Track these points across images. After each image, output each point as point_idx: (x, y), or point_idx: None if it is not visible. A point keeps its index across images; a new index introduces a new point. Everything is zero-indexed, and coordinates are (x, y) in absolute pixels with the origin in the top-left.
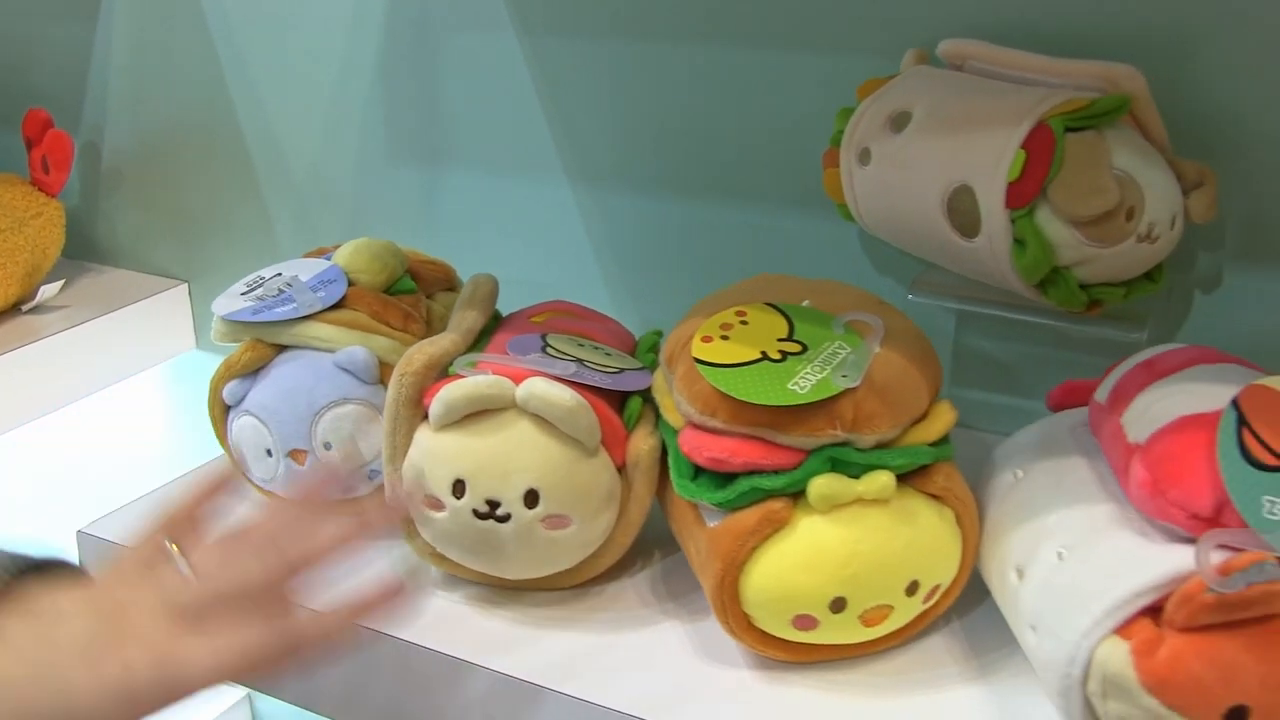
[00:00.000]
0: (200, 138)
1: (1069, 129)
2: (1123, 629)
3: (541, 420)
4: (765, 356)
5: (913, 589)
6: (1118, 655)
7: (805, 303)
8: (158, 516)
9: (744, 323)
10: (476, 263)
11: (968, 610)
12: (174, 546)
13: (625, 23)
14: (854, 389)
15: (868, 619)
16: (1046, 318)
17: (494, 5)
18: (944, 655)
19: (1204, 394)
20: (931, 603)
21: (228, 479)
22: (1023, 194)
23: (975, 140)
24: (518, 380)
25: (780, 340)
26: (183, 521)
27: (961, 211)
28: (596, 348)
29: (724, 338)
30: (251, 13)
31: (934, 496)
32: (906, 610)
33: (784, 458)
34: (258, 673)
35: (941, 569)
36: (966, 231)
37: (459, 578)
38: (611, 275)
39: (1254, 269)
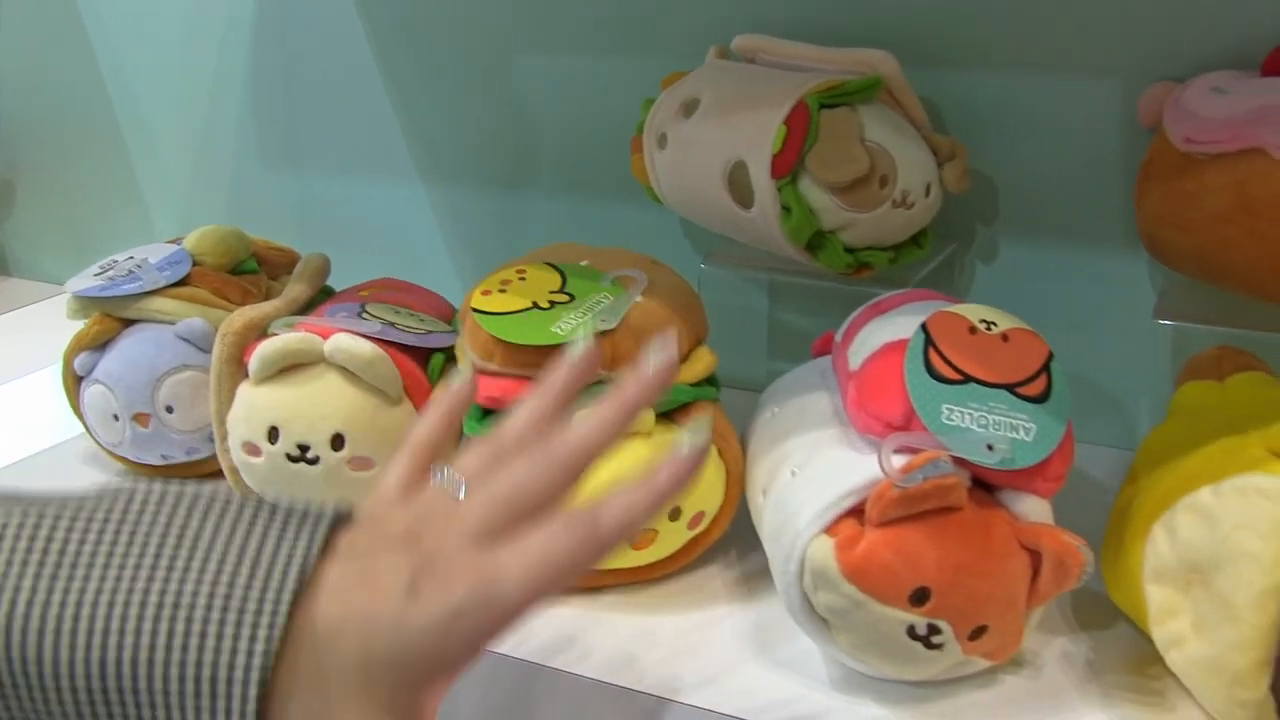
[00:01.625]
0: (86, 151)
1: (824, 106)
2: (831, 529)
3: (348, 372)
4: (535, 306)
5: (675, 514)
6: (823, 550)
7: (584, 263)
8: (409, 447)
9: (522, 279)
10: (343, 259)
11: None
12: (444, 470)
13: (466, 34)
14: (612, 331)
15: (636, 542)
16: (837, 281)
17: (349, 20)
18: (716, 580)
19: (907, 324)
20: (699, 529)
21: (468, 399)
22: (783, 164)
23: (748, 120)
24: (326, 337)
25: (552, 293)
26: (434, 447)
27: (739, 185)
28: (412, 314)
29: (502, 291)
30: (128, 27)
31: None
32: (673, 535)
33: None
34: (570, 576)
35: (703, 497)
36: (744, 203)
37: None
38: (463, 265)
39: (1026, 240)
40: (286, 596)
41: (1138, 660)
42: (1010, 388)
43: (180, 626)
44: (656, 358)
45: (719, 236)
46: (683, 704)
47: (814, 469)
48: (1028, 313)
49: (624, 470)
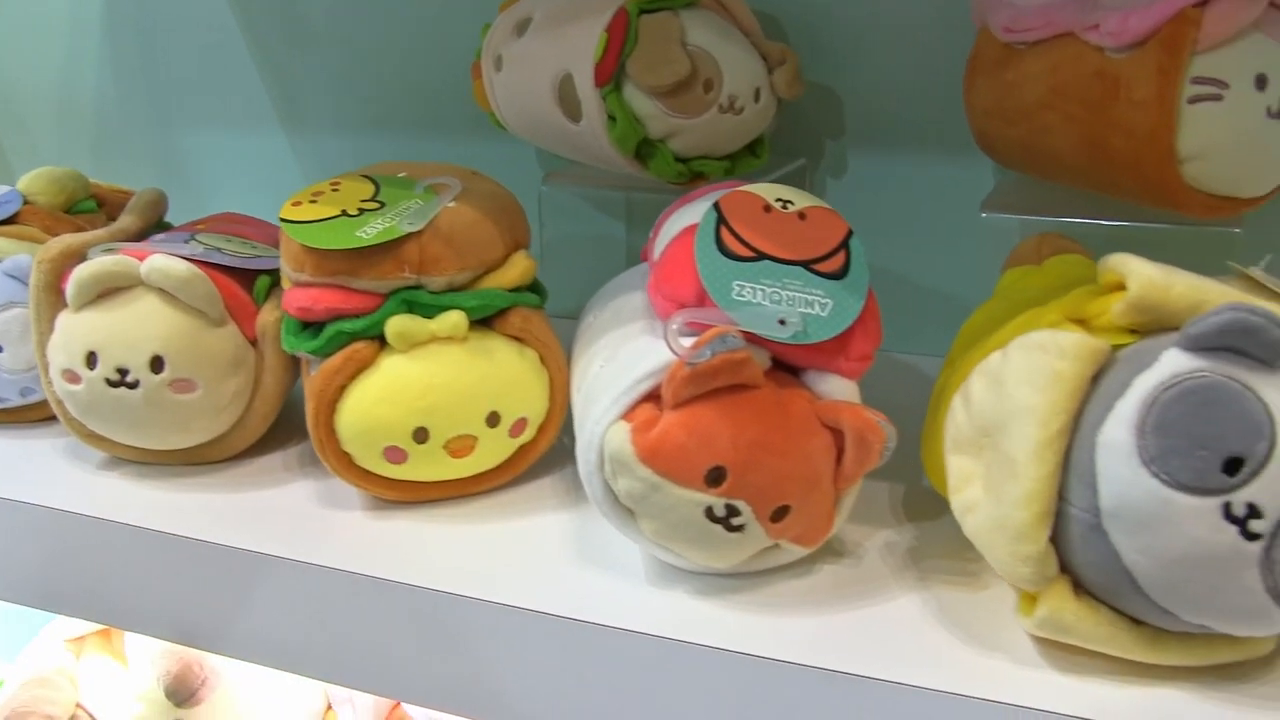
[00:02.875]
0: None
1: (644, 11)
2: (628, 414)
3: (166, 294)
4: (344, 213)
5: (494, 420)
6: (620, 435)
7: (401, 174)
8: None
9: (335, 190)
10: (210, 207)
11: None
12: None
13: None
14: (419, 234)
15: (453, 449)
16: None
17: None
18: (547, 490)
19: (704, 209)
20: (524, 437)
21: None
22: (605, 71)
23: (574, 32)
24: (144, 259)
25: (363, 201)
26: None
27: (568, 98)
28: (244, 242)
29: (313, 202)
30: None
31: (515, 338)
32: (495, 442)
33: (362, 302)
34: None
35: (523, 402)
36: (574, 116)
37: (118, 456)
38: None
39: (875, 151)
40: None
41: (957, 545)
42: (806, 264)
43: None
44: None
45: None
46: (496, 603)
47: (618, 360)
48: (880, 224)
49: (443, 379)
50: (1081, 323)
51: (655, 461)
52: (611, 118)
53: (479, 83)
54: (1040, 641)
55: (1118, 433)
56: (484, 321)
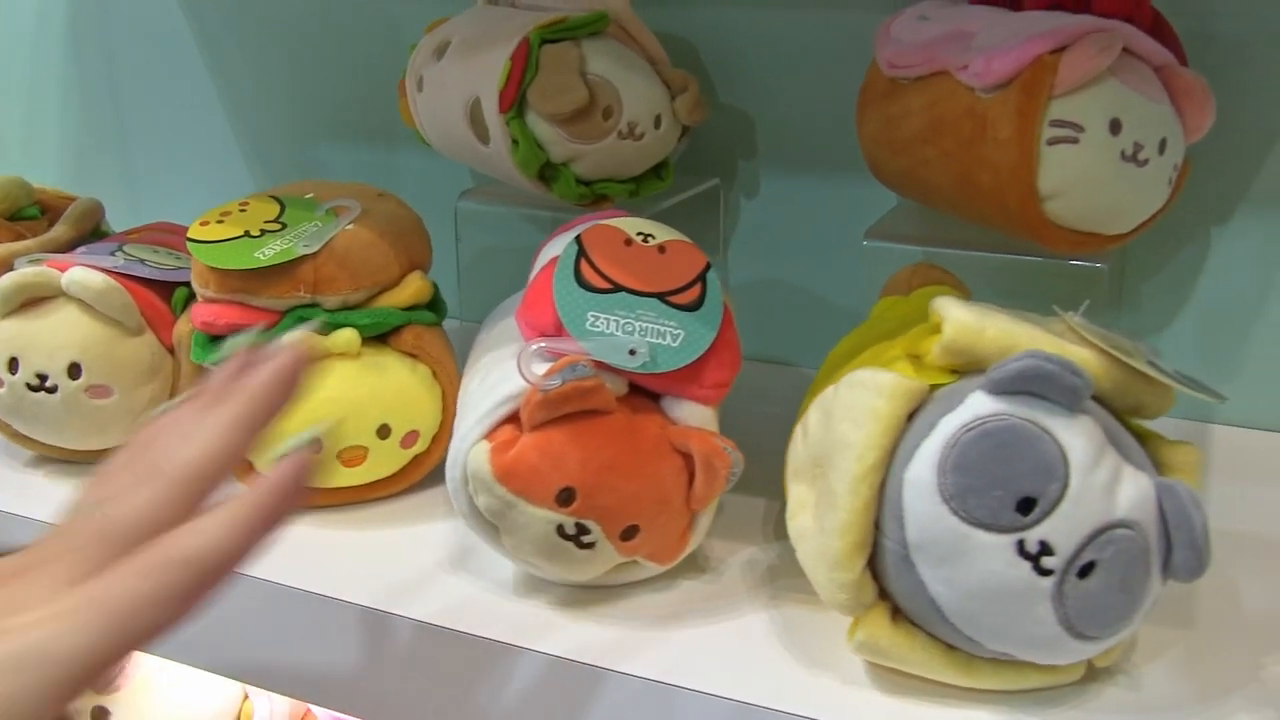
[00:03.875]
0: None
1: (547, 41)
2: (491, 434)
3: (85, 304)
4: (246, 234)
5: (384, 432)
6: (480, 455)
7: (309, 195)
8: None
9: (243, 210)
10: (155, 199)
11: None
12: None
13: None
14: (314, 256)
15: (345, 459)
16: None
17: None
18: (438, 499)
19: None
20: (416, 448)
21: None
22: (507, 98)
23: (483, 59)
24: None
25: (267, 222)
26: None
27: (478, 121)
28: (170, 253)
29: (220, 222)
30: None
31: (409, 354)
32: (388, 454)
33: (261, 318)
34: (154, 621)
35: (414, 415)
36: (484, 139)
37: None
38: None
39: (785, 172)
40: None
41: None
42: (661, 296)
43: None
44: (294, 459)
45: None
46: (368, 608)
47: (489, 380)
48: (789, 242)
49: (336, 392)
50: (917, 359)
51: (510, 481)
52: (515, 141)
53: (403, 100)
54: (872, 664)
55: (922, 470)
56: (380, 338)
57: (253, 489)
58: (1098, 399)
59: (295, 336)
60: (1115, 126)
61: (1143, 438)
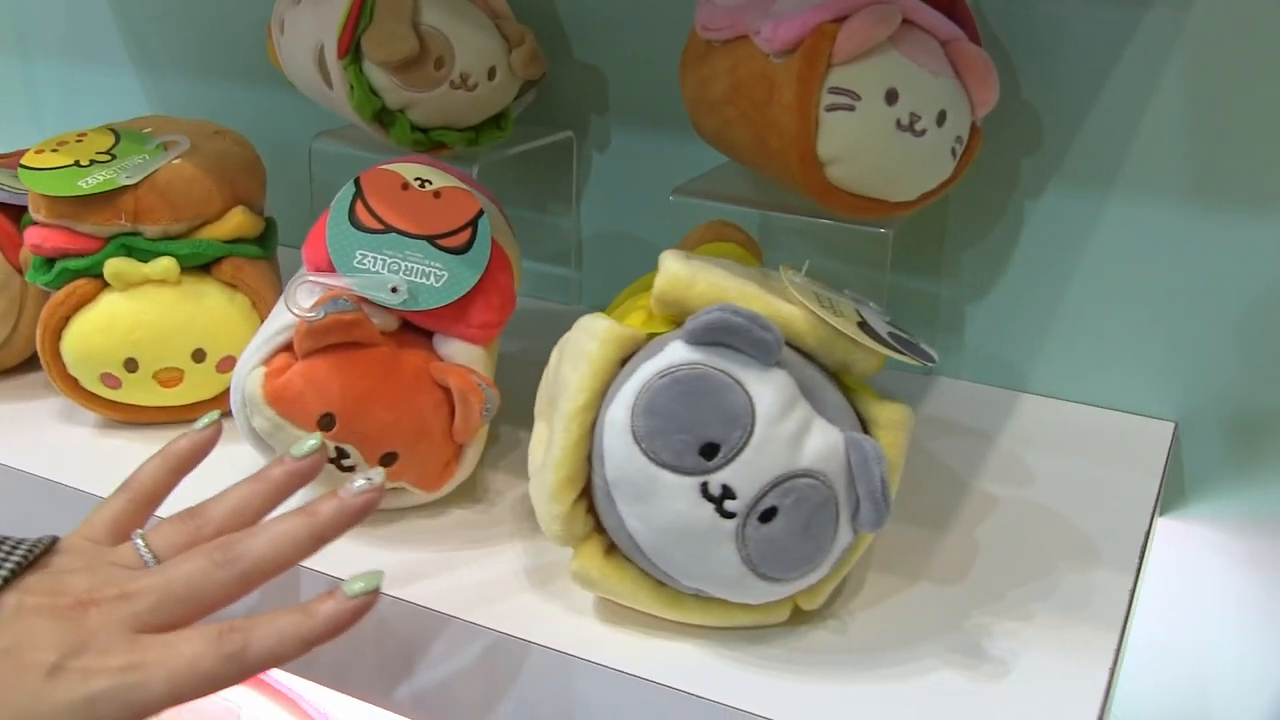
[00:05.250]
0: None
1: None
2: (269, 360)
3: None
4: (76, 164)
5: (199, 356)
6: (255, 379)
7: (147, 130)
8: (129, 489)
9: (80, 141)
10: None
11: None
12: (141, 541)
13: None
14: (135, 187)
15: (162, 380)
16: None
17: None
18: None
19: None
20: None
21: (199, 453)
22: (343, 44)
23: (329, 5)
24: None
25: (99, 153)
26: (154, 494)
27: (324, 66)
28: None
29: (55, 150)
30: None
31: (228, 284)
32: (203, 377)
33: (86, 244)
34: (210, 688)
35: (229, 342)
36: (329, 83)
37: None
38: None
39: (637, 127)
40: None
41: None
42: (430, 239)
43: None
44: (359, 487)
45: None
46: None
47: (276, 309)
48: (638, 195)
49: (153, 316)
50: (648, 309)
51: (277, 404)
52: (351, 87)
53: (270, 42)
54: (600, 597)
55: (619, 412)
56: (205, 268)
57: (312, 610)
58: (806, 354)
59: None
60: (892, 96)
61: (854, 393)
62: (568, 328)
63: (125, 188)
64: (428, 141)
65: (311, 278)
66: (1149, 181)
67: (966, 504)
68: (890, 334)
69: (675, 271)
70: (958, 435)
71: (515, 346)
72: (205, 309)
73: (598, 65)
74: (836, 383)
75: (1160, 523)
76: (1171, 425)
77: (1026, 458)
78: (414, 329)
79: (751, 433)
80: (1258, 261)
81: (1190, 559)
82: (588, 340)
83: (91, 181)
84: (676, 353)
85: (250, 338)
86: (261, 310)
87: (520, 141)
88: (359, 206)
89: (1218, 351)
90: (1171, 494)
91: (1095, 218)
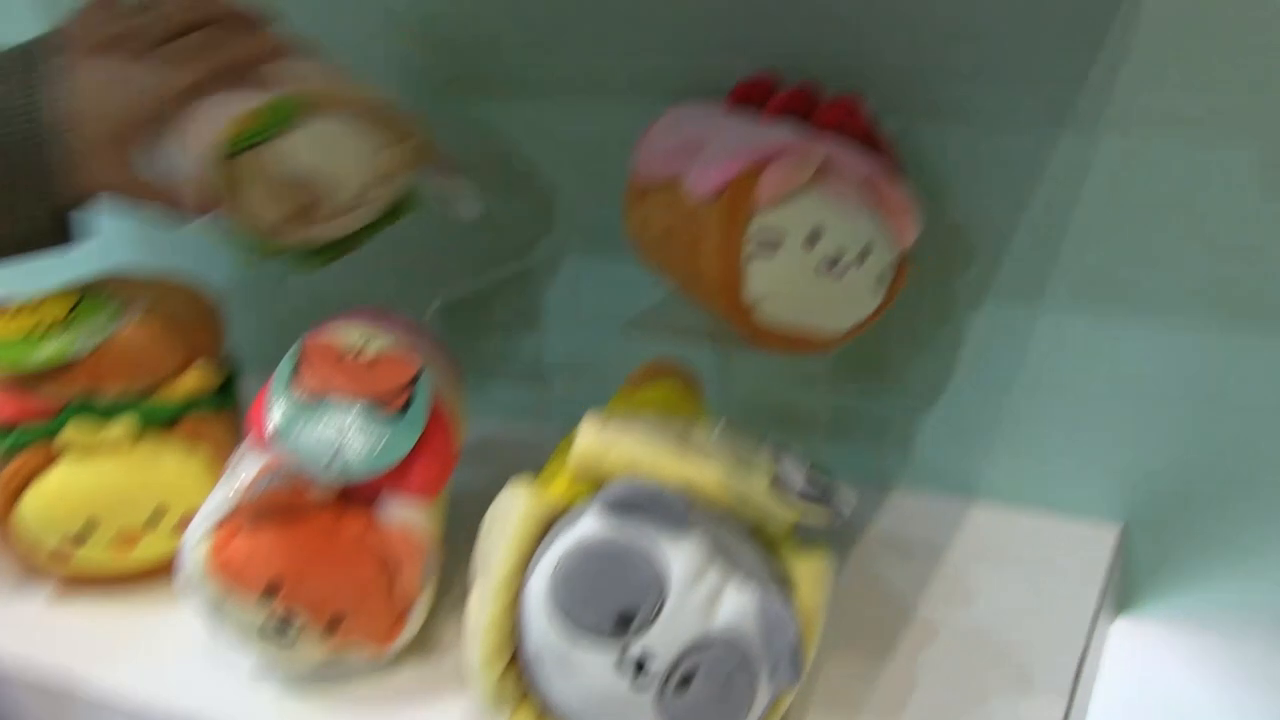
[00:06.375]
0: None
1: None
2: (217, 530)
3: None
4: (31, 333)
5: (158, 517)
6: (203, 551)
7: (107, 293)
8: None
9: (35, 309)
10: None
11: None
12: None
13: None
14: (92, 353)
15: (118, 545)
16: None
17: None
18: None
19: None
20: None
21: None
22: None
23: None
24: None
25: (55, 320)
26: None
27: None
28: None
29: (13, 318)
30: None
31: (189, 438)
32: (161, 538)
33: (41, 409)
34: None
35: (192, 500)
36: None
37: None
38: None
39: (612, 260)
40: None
41: None
42: (367, 404)
43: None
44: None
45: None
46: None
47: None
48: (606, 326)
49: (107, 475)
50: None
51: (223, 577)
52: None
53: None
54: None
55: (539, 583)
56: (162, 424)
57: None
58: (724, 512)
59: None
60: (815, 237)
61: (774, 547)
62: (533, 457)
63: (81, 355)
64: (335, 253)
65: (252, 451)
66: (1080, 290)
67: (908, 631)
68: (807, 485)
69: (588, 444)
70: (903, 552)
71: (482, 476)
72: (164, 470)
73: (557, 195)
74: (755, 538)
75: (1117, 623)
76: (1118, 527)
77: (971, 574)
78: (359, 490)
79: (665, 599)
80: (1196, 361)
81: (1145, 659)
82: (509, 514)
83: (45, 354)
84: (589, 524)
85: (210, 491)
86: (223, 460)
87: (481, 275)
88: (296, 377)
89: (1162, 449)
90: (1126, 593)
91: (1031, 326)
